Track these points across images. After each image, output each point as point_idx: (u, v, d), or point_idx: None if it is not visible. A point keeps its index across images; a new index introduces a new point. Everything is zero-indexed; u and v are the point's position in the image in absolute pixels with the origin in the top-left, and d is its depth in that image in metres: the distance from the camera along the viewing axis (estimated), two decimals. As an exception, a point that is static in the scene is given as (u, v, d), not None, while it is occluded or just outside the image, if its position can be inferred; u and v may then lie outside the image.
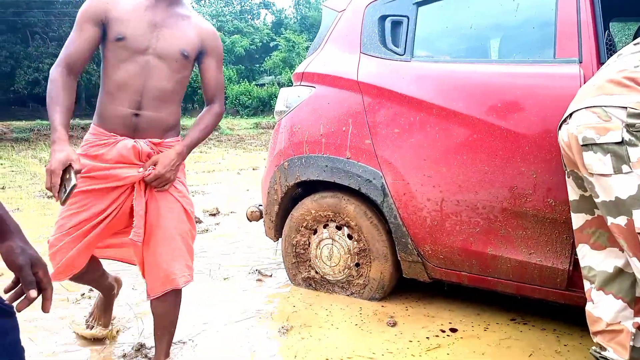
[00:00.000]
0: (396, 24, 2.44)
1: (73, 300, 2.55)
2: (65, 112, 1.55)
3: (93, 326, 2.10)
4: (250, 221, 3.04)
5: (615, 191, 1.49)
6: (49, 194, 5.78)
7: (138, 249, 1.74)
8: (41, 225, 4.32)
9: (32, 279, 0.97)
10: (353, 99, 2.43)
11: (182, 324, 2.15)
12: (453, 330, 2.21)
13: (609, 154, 1.49)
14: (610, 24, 2.84)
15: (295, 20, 40.90)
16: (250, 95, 30.21)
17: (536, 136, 1.97)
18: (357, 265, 2.54)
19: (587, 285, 1.73)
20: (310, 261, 2.68)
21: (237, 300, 2.58)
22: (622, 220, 1.49)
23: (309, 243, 2.66)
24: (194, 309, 2.43)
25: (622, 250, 1.61)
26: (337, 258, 2.57)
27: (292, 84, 2.78)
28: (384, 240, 2.43)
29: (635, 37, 1.97)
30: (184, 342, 2.10)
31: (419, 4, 2.39)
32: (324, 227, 2.60)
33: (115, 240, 1.91)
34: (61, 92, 1.57)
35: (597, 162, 1.52)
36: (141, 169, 1.70)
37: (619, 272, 1.63)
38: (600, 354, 1.67)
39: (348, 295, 2.59)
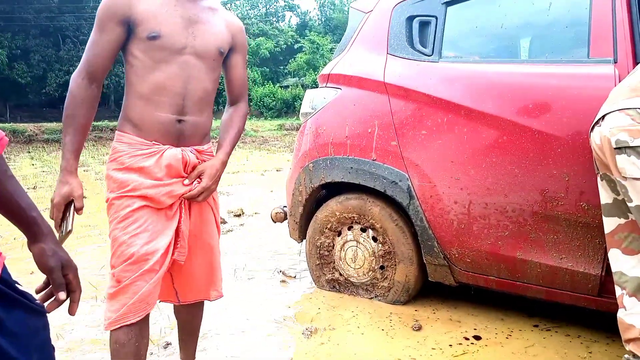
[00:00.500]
0: (424, 25, 2.41)
1: (101, 299, 2.60)
2: (79, 135, 1.42)
3: None
4: (275, 222, 3.04)
5: None
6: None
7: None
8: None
9: (62, 281, 0.99)
10: (379, 101, 2.41)
11: (206, 324, 2.16)
12: (477, 337, 2.16)
13: None
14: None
15: (320, 22, 41.03)
16: (274, 97, 30.43)
17: (569, 138, 1.92)
18: (382, 267, 2.51)
19: (618, 291, 1.68)
20: (334, 263, 2.67)
21: (261, 302, 2.58)
22: None
23: (333, 245, 2.65)
24: (218, 309, 2.44)
25: None
26: (361, 260, 2.56)
27: (316, 85, 2.78)
28: (410, 243, 2.40)
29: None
30: (207, 343, 2.12)
31: (447, 4, 2.35)
32: (349, 229, 2.59)
33: None
34: (79, 108, 1.42)
35: (630, 166, 1.48)
36: (186, 181, 1.55)
37: None
38: (634, 363, 1.61)
39: (372, 298, 2.57)
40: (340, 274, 2.65)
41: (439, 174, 2.23)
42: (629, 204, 1.53)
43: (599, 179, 1.72)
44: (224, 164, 1.62)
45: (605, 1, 1.97)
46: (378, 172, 2.38)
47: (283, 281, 2.91)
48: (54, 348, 1.00)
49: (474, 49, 2.43)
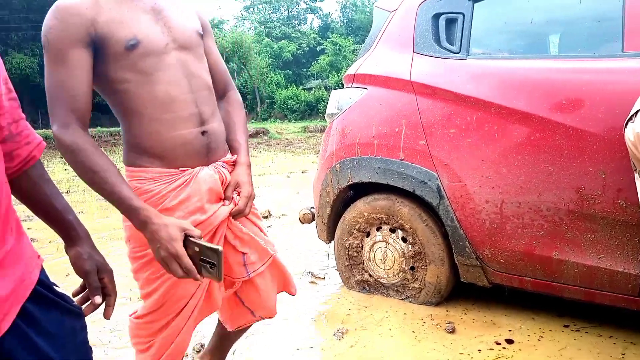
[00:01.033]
0: (451, 22, 2.38)
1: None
2: (121, 176, 1.17)
3: None
4: (303, 223, 3.05)
5: None
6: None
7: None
8: (103, 228, 4.54)
9: (98, 285, 1.01)
10: (406, 100, 2.38)
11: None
12: (509, 341, 2.10)
13: None
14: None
15: (342, 24, 41.03)
16: (297, 99, 30.56)
17: (605, 134, 1.86)
18: (412, 268, 2.49)
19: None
20: (363, 264, 2.65)
21: (291, 303, 2.59)
22: None
23: (362, 246, 2.63)
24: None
25: None
26: (391, 261, 2.53)
27: (339, 87, 2.77)
28: (440, 243, 2.37)
29: None
30: (238, 344, 2.13)
31: (475, 0, 2.32)
32: (377, 229, 2.57)
33: None
34: (98, 158, 1.14)
35: None
36: (226, 201, 1.37)
37: None
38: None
39: (403, 299, 2.54)
40: (370, 275, 2.64)
41: (469, 172, 2.19)
42: None
43: (636, 175, 1.66)
44: (250, 166, 1.45)
45: (641, -8, 1.91)
46: (406, 171, 2.36)
47: (312, 282, 2.91)
48: (91, 349, 1.02)
49: (502, 45, 2.39)
